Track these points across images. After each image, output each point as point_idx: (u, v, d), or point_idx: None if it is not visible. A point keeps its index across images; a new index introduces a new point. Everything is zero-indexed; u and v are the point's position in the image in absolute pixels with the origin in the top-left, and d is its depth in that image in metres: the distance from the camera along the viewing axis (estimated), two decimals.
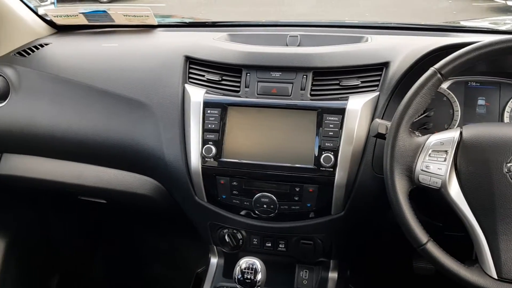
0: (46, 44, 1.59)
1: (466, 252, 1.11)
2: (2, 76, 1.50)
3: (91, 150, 1.42)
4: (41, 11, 1.71)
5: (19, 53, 1.57)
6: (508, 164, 0.91)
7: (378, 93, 1.21)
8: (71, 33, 1.73)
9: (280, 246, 1.36)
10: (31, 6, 1.66)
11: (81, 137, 1.41)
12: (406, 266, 1.49)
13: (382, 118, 1.18)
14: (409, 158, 1.00)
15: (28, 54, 1.56)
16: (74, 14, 1.67)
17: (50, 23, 1.72)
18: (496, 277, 0.91)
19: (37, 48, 1.58)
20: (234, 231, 1.37)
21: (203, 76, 1.32)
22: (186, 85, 1.32)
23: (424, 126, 1.27)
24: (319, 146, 1.19)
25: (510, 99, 1.23)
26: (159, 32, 1.68)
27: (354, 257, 1.60)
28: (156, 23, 1.69)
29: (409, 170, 1.00)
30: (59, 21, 1.71)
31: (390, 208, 1.01)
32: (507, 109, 1.23)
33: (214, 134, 1.25)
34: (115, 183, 1.46)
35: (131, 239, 2.26)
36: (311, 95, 1.23)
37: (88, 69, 1.47)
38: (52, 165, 1.51)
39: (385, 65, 1.23)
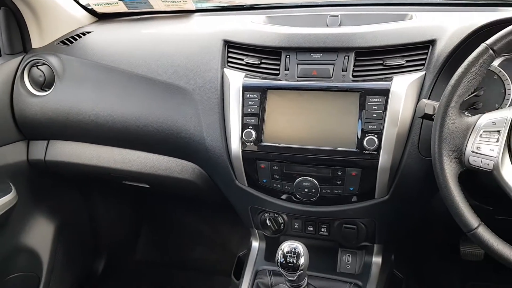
0: (88, 33, 1.62)
1: None
2: (47, 65, 1.54)
3: (134, 136, 1.44)
4: (82, 0, 1.73)
5: (62, 42, 1.60)
6: None
7: (424, 72, 1.16)
8: (111, 21, 1.75)
9: (322, 230, 1.35)
10: None
11: (124, 123, 1.43)
12: (452, 251, 1.45)
13: (428, 99, 1.13)
14: (459, 140, 0.95)
15: (71, 42, 1.59)
16: (114, 1, 1.69)
17: (91, 11, 1.75)
18: None
19: (80, 37, 1.61)
20: (276, 215, 1.36)
21: (242, 60, 1.30)
22: (225, 70, 1.31)
23: (473, 106, 1.20)
24: (362, 129, 1.16)
25: None
26: (197, 17, 1.68)
27: (399, 241, 1.56)
28: (194, 8, 1.68)
29: (459, 152, 0.95)
30: (99, 9, 1.73)
31: (438, 191, 0.98)
32: None
33: (254, 118, 1.24)
34: (158, 168, 1.49)
35: (174, 223, 2.30)
36: (353, 76, 1.19)
37: (129, 56, 1.48)
38: (96, 151, 1.55)
39: (431, 43, 1.18)
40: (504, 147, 0.91)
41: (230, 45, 1.34)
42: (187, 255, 2.25)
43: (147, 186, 1.65)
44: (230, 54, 1.33)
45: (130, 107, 1.43)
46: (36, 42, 1.61)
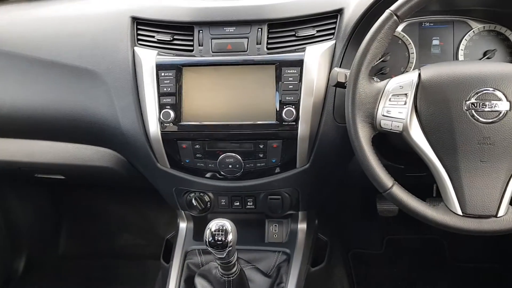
0: None
1: (427, 190, 1.14)
2: None
3: (42, 125, 1.35)
4: None
5: None
6: (467, 102, 0.93)
7: (334, 41, 1.19)
8: (6, 2, 1.60)
9: (248, 204, 1.37)
10: None
11: (30, 113, 1.34)
12: (370, 210, 1.53)
13: (340, 67, 1.17)
14: (370, 105, 1.00)
15: None
16: None
17: None
18: (461, 214, 0.94)
19: None
20: (201, 194, 1.36)
21: (153, 37, 1.26)
22: (136, 48, 1.26)
23: (381, 71, 1.27)
24: (280, 101, 1.17)
25: (463, 37, 1.25)
26: None
27: (321, 206, 1.63)
28: None
29: (371, 117, 1.00)
30: None
31: (354, 156, 1.02)
32: (461, 47, 1.25)
33: (171, 97, 1.20)
34: (72, 157, 1.41)
35: (97, 212, 2.21)
36: (267, 48, 1.20)
37: (30, 39, 1.38)
38: (2, 145, 1.44)
39: (339, 12, 1.21)
40: (411, 108, 0.97)
41: (138, 22, 1.28)
42: (114, 243, 2.19)
43: (63, 177, 1.56)
44: (139, 32, 1.28)
45: (35, 95, 1.33)
46: None
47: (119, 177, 1.46)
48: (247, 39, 1.21)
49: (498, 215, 0.93)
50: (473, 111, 0.92)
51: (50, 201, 2.17)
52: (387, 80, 1.02)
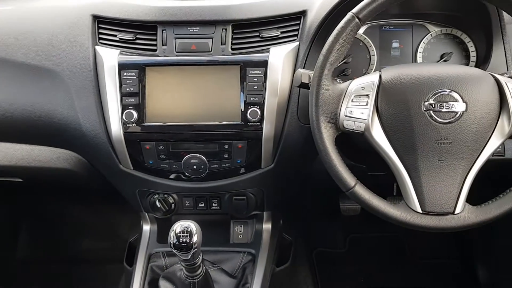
0: None
1: (388, 189, 1.17)
2: None
3: None
4: None
5: None
6: (426, 103, 0.96)
7: (298, 43, 1.20)
8: None
9: (213, 205, 1.36)
10: None
11: None
12: (333, 209, 1.55)
13: (304, 68, 1.18)
14: (333, 105, 1.01)
15: None
16: None
17: None
18: (420, 211, 0.97)
19: None
20: (165, 195, 1.34)
21: (115, 36, 1.24)
22: (97, 47, 1.23)
23: (344, 73, 1.29)
24: (245, 101, 1.18)
25: (422, 40, 1.29)
26: None
27: (286, 206, 1.64)
28: None
29: (334, 117, 1.01)
30: None
31: (318, 155, 1.03)
32: (420, 49, 1.29)
33: (134, 97, 1.19)
34: (30, 159, 1.36)
35: (57, 215, 2.15)
36: (232, 49, 1.21)
37: None
38: None
39: (302, 13, 1.22)
40: (373, 109, 0.99)
41: (100, 21, 1.26)
42: (75, 247, 2.13)
43: (20, 180, 1.50)
44: (101, 30, 1.26)
45: None
46: None
47: (79, 179, 1.43)
48: (211, 39, 1.21)
49: (456, 212, 0.97)
50: (431, 111, 0.95)
51: (7, 204, 2.10)
52: (350, 81, 1.05)
